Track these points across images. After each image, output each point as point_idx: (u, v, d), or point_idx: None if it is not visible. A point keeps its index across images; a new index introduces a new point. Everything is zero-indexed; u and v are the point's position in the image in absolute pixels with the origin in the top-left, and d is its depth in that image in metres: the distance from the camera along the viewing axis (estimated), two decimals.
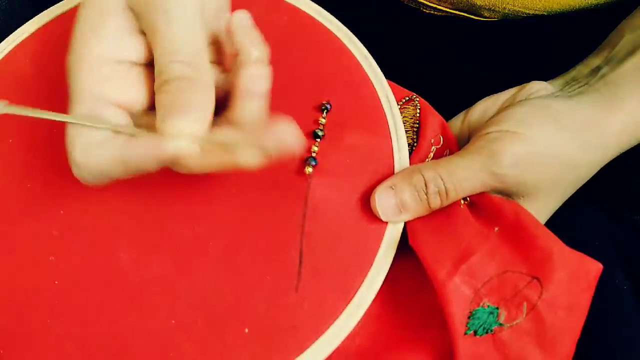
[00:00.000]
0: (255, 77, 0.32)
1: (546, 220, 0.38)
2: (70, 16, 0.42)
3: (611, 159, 0.38)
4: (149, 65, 0.33)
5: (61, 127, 0.39)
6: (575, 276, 0.32)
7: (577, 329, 0.32)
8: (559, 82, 0.41)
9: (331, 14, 0.44)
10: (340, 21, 0.44)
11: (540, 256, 0.33)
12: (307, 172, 0.37)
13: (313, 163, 0.37)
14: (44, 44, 0.42)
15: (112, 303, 0.34)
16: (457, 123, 0.42)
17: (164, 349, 0.33)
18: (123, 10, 0.32)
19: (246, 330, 0.33)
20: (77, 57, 0.32)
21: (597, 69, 0.39)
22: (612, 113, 0.36)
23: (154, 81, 0.32)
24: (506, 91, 0.41)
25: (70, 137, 0.31)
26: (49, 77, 0.40)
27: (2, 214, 0.37)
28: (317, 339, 0.33)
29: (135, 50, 0.33)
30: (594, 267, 0.33)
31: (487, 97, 0.42)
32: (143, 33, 0.33)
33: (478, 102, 0.42)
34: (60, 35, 0.42)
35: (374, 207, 0.35)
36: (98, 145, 0.31)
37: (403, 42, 0.52)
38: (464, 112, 0.42)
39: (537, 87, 0.40)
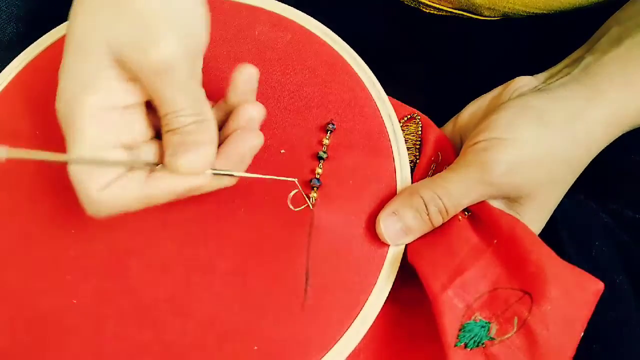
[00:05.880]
0: (247, 136, 0.35)
1: (550, 215, 0.38)
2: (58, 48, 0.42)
3: (600, 150, 0.37)
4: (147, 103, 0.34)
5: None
6: (570, 293, 0.33)
7: (572, 346, 0.32)
8: (544, 75, 0.41)
9: (331, 13, 0.44)
10: (340, 20, 0.44)
11: (532, 271, 0.33)
12: (312, 194, 0.38)
13: (317, 184, 0.38)
14: (35, 79, 0.41)
15: (125, 322, 0.35)
16: (447, 130, 0.42)
17: None
18: (108, 59, 0.32)
19: (255, 348, 0.34)
20: (70, 108, 0.32)
21: (581, 58, 0.39)
22: (593, 106, 0.36)
23: (153, 116, 0.34)
24: (492, 91, 0.41)
25: (79, 178, 0.32)
26: (43, 113, 0.39)
27: (20, 235, 0.38)
28: (324, 355, 0.34)
29: (128, 96, 0.33)
30: (594, 285, 0.33)
31: (474, 101, 0.42)
32: (134, 79, 0.33)
33: (466, 107, 0.42)
34: (51, 69, 0.41)
35: (381, 234, 0.36)
36: (116, 185, 0.32)
37: (403, 41, 0.52)
38: (453, 118, 0.42)
39: (521, 82, 0.40)
